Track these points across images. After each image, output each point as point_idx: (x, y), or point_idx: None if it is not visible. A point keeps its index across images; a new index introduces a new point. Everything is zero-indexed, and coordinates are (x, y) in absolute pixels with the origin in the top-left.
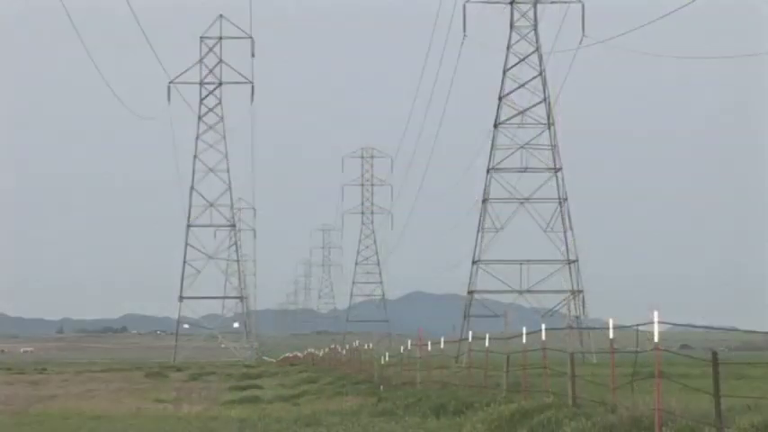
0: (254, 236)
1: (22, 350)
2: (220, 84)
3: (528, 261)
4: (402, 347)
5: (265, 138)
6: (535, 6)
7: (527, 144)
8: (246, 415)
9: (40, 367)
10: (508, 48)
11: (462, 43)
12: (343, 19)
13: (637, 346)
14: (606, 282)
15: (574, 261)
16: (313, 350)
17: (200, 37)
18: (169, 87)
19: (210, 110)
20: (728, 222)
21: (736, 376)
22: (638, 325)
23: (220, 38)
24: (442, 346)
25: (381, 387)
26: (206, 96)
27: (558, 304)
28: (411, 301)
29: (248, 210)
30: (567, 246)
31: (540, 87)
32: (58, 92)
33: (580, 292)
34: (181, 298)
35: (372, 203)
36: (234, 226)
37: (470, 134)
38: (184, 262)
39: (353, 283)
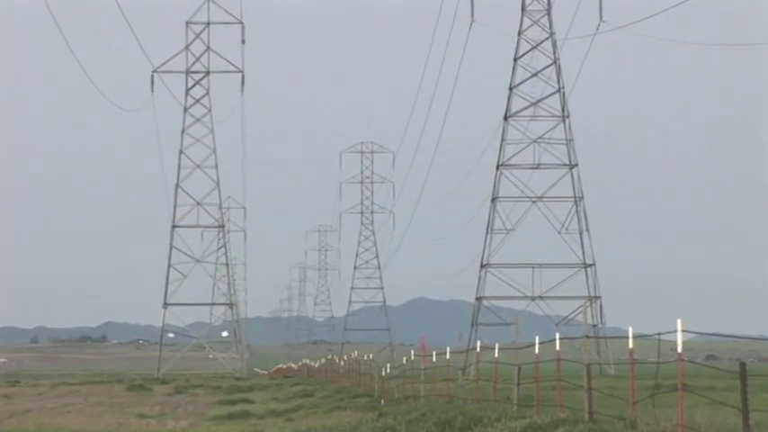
0: (245, 237)
1: None
2: (208, 73)
3: (541, 265)
4: (404, 358)
5: (257, 131)
6: None
7: (540, 138)
8: (236, 431)
9: (12, 379)
10: (519, 33)
11: (470, 28)
12: (340, 3)
13: (659, 356)
14: (625, 287)
15: (590, 265)
16: (308, 361)
17: (186, 22)
18: (152, 77)
19: (197, 101)
20: (760, 222)
21: (766, 389)
22: (659, 334)
23: (208, 23)
24: (447, 356)
25: (382, 401)
26: (192, 86)
27: (574, 311)
28: (414, 309)
29: (238, 209)
30: (583, 248)
31: (554, 77)
32: (32, 82)
33: (597, 298)
34: (165, 305)
35: (372, 202)
36: (223, 227)
37: (478, 127)
38: (169, 266)
39: (352, 288)
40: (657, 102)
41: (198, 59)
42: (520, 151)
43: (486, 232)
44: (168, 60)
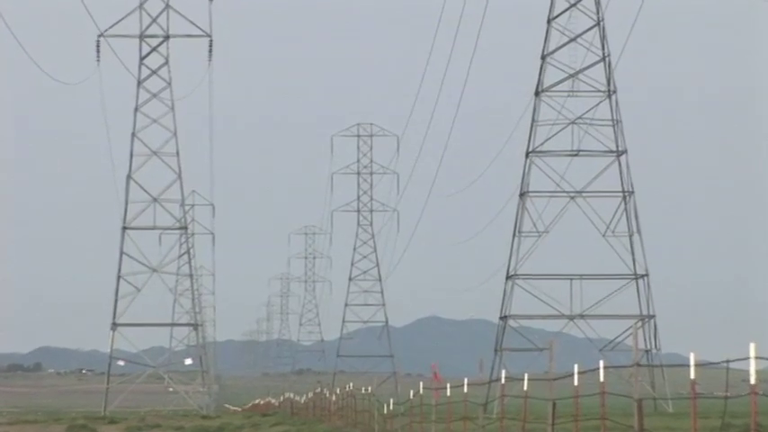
0: (213, 241)
1: None
2: (167, 37)
3: (581, 276)
4: (411, 392)
5: (228, 111)
6: None
7: (580, 118)
8: None
9: None
10: None
11: None
12: None
13: (726, 389)
14: (686, 303)
15: (643, 275)
16: (292, 395)
17: None
18: (98, 42)
19: (154, 72)
20: None
21: None
22: (728, 361)
23: None
24: (465, 389)
25: None
26: (148, 54)
27: (622, 334)
28: (424, 330)
29: (205, 207)
30: (633, 255)
31: (598, 42)
32: None
33: (651, 317)
34: (114, 325)
35: (371, 198)
36: (185, 228)
37: (503, 105)
38: (119, 277)
39: (346, 305)
40: (726, 72)
41: (155, 21)
42: (555, 134)
43: (513, 235)
44: (118, 22)
